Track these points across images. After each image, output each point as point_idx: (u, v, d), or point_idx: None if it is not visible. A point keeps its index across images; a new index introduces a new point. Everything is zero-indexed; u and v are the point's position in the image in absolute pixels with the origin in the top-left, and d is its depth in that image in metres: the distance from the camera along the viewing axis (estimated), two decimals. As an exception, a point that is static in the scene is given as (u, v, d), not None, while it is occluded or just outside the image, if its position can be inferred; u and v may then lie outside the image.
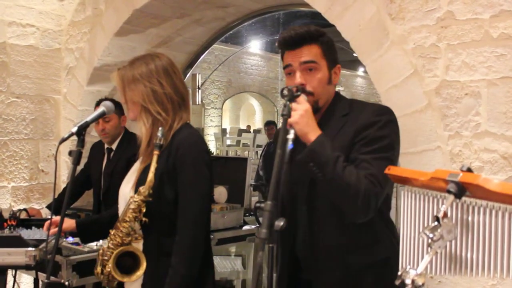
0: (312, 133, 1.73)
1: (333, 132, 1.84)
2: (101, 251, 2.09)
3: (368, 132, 1.80)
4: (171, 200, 2.02)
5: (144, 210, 1.99)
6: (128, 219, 2.00)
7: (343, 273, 1.85)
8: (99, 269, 2.08)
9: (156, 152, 1.98)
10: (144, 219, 2.00)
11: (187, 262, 1.98)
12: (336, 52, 1.96)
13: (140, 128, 2.09)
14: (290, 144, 1.62)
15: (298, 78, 1.86)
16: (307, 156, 1.71)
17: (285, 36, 1.90)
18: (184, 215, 2.01)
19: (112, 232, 2.06)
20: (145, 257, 2.02)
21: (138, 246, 2.05)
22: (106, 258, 2.04)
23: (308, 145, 1.72)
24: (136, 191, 2.02)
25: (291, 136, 1.66)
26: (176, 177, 2.02)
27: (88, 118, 2.12)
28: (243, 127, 22.09)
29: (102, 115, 2.19)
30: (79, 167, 3.21)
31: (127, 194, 2.08)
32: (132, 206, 1.99)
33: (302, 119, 1.71)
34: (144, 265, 2.01)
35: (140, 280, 2.04)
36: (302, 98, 1.78)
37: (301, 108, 1.73)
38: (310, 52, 1.87)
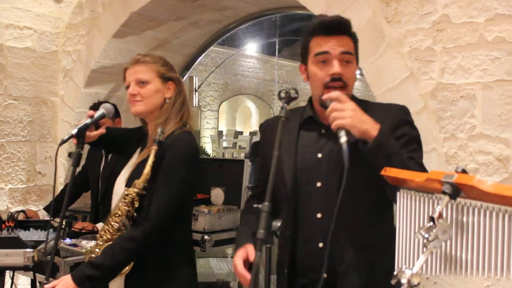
0: (372, 127, 1.59)
1: None
2: (89, 249, 2.14)
3: (404, 130, 1.74)
4: None
5: (137, 205, 1.99)
6: (120, 213, 2.00)
7: (368, 277, 1.73)
8: None
9: (154, 147, 1.99)
10: (134, 213, 2.00)
11: (142, 241, 1.99)
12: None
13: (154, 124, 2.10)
14: (346, 149, 1.52)
15: (338, 66, 1.72)
16: (376, 149, 1.58)
17: (326, 20, 1.77)
18: (155, 205, 2.00)
19: (103, 228, 2.08)
20: None
21: None
22: (93, 255, 2.07)
23: (371, 140, 1.59)
24: (129, 185, 2.03)
25: (343, 139, 1.55)
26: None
27: (88, 120, 2.12)
28: (240, 129, 22.08)
29: (102, 117, 2.17)
30: (78, 169, 3.20)
31: (120, 188, 2.10)
32: (125, 200, 1.99)
33: (355, 119, 1.58)
34: None
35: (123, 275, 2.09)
36: (343, 95, 1.64)
37: (348, 107, 1.60)
38: (348, 44, 1.76)
